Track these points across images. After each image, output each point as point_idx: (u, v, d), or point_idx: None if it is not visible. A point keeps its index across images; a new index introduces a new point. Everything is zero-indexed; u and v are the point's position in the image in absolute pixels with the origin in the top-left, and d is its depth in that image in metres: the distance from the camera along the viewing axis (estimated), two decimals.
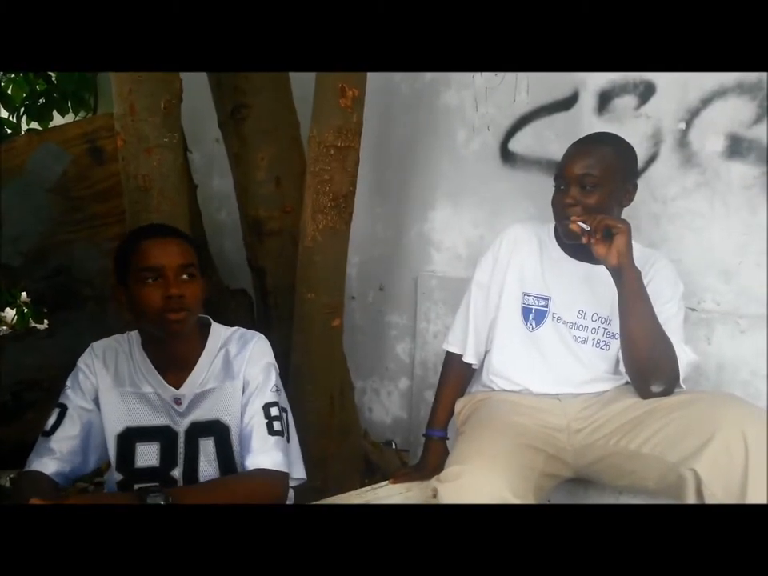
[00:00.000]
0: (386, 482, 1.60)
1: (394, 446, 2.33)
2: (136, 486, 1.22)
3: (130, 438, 1.23)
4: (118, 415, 1.23)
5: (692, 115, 1.67)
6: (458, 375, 1.60)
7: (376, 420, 2.41)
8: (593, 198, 1.35)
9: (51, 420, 1.22)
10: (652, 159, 1.73)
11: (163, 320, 1.15)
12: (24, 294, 2.65)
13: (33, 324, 2.88)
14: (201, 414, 1.24)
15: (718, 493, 1.14)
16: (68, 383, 1.25)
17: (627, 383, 1.42)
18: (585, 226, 1.32)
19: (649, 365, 1.32)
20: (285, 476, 1.21)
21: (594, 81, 1.80)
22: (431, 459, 1.56)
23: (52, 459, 1.18)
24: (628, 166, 1.41)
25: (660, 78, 1.71)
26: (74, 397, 1.23)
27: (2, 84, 2.75)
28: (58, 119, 2.80)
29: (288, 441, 1.26)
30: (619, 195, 1.39)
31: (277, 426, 1.22)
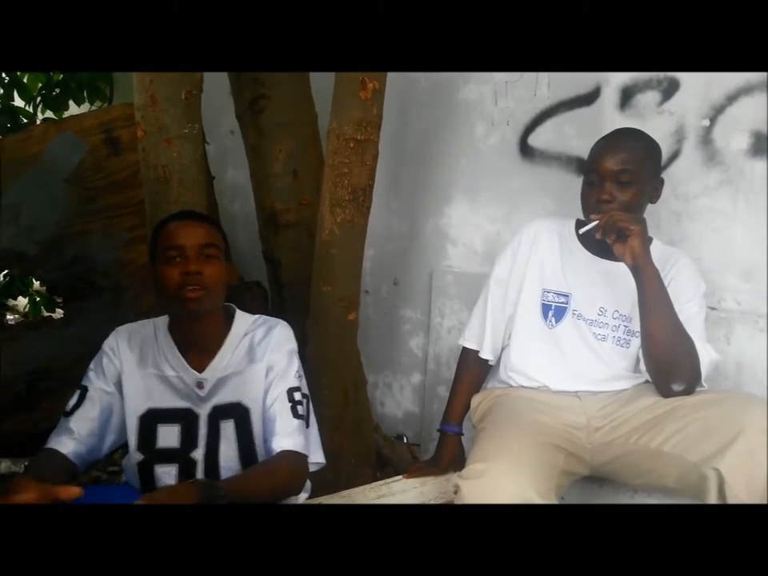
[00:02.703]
0: (400, 476, 1.59)
1: (405, 441, 2.33)
2: (157, 467, 1.23)
3: (151, 419, 1.25)
4: (140, 397, 1.25)
5: (716, 112, 1.65)
6: (474, 371, 1.60)
7: (388, 414, 2.40)
8: (627, 193, 1.34)
9: (72, 401, 1.24)
10: (674, 156, 1.71)
11: (181, 297, 1.18)
12: (37, 282, 2.66)
13: (45, 313, 2.89)
14: (222, 397, 1.26)
15: (741, 493, 1.13)
16: (91, 365, 1.28)
17: (647, 382, 1.41)
18: (592, 224, 1.33)
19: (669, 364, 1.31)
20: (305, 458, 1.25)
21: (617, 76, 1.78)
22: (446, 454, 1.56)
23: (70, 439, 1.20)
24: (657, 162, 1.41)
25: (684, 75, 1.68)
26: (96, 379, 1.25)
27: (18, 73, 2.75)
28: (73, 109, 2.79)
29: (307, 426, 1.29)
30: (649, 192, 1.38)
31: (300, 410, 1.26)
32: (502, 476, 1.13)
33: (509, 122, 1.98)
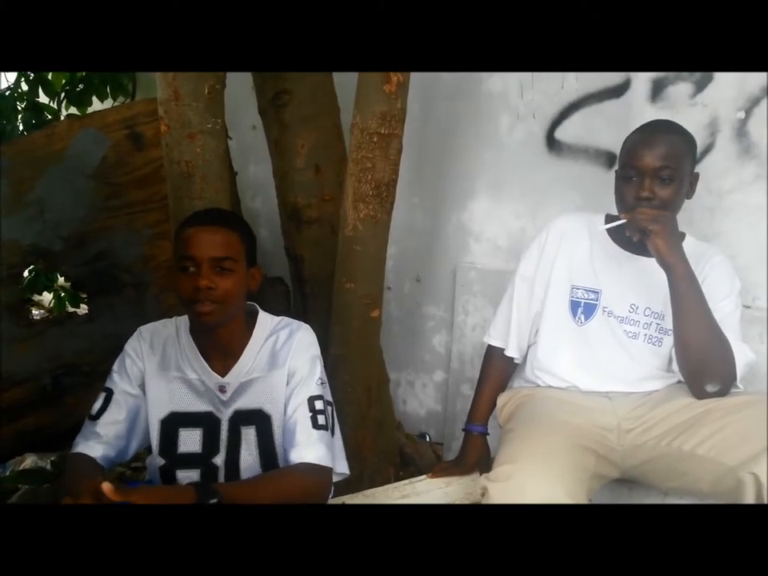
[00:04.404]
0: (424, 476, 1.57)
1: (428, 439, 2.31)
2: (179, 472, 1.22)
3: (173, 423, 1.23)
4: (162, 399, 1.23)
5: (752, 104, 1.60)
6: (499, 369, 1.57)
7: (410, 412, 2.38)
8: (667, 190, 1.29)
9: (97, 404, 1.22)
10: (707, 150, 1.66)
11: (193, 310, 1.15)
12: (62, 278, 2.69)
13: (70, 309, 2.91)
14: (244, 402, 1.23)
15: None
16: (114, 367, 1.25)
17: (679, 382, 1.38)
18: (617, 222, 1.31)
19: (703, 364, 1.27)
20: (329, 471, 1.20)
21: None
22: (471, 454, 1.54)
23: (98, 443, 1.18)
24: (695, 157, 1.36)
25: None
26: (120, 382, 1.23)
27: None
28: (96, 105, 2.81)
29: (332, 435, 1.25)
30: (686, 188, 1.33)
31: (321, 419, 1.21)
32: (532, 478, 1.11)
33: (535, 115, 1.94)
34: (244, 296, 1.23)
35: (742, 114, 1.62)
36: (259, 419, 1.23)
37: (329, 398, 1.27)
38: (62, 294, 2.94)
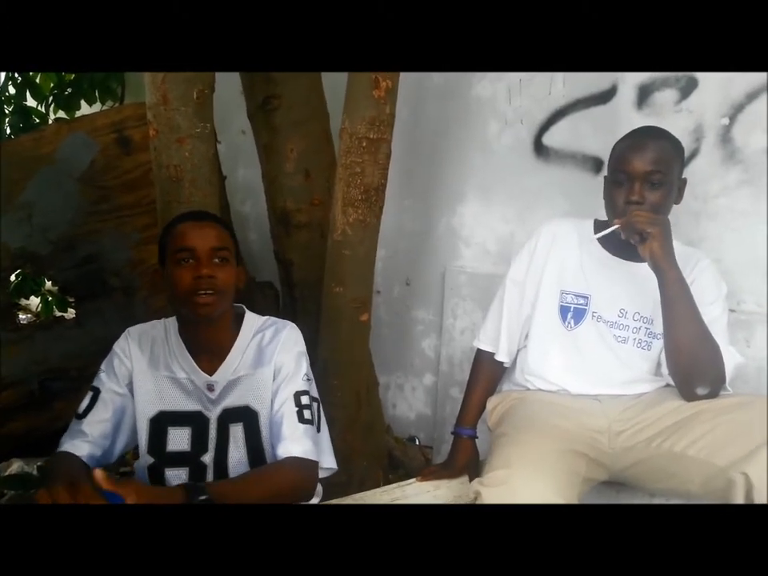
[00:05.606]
0: (413, 479, 1.57)
1: (417, 443, 2.31)
2: (168, 471, 1.23)
3: (162, 422, 1.24)
4: (151, 399, 1.24)
5: (736, 110, 1.62)
6: (488, 373, 1.57)
7: (399, 416, 2.39)
8: (657, 195, 1.30)
9: (84, 403, 1.23)
10: (693, 155, 1.68)
11: (193, 302, 1.16)
12: (49, 282, 2.67)
13: (57, 313, 2.89)
14: (232, 400, 1.24)
15: None
16: (102, 367, 1.26)
17: (668, 385, 1.39)
18: (610, 229, 1.31)
19: (694, 367, 1.29)
20: (314, 464, 1.21)
21: (634, 74, 1.74)
22: (460, 458, 1.54)
23: (84, 442, 1.19)
24: (683, 162, 1.38)
25: (702, 72, 1.65)
26: (108, 381, 1.24)
27: (31, 74, 2.76)
28: (85, 109, 2.80)
29: (318, 430, 1.26)
30: (675, 193, 1.35)
31: (307, 414, 1.23)
32: (525, 483, 1.11)
33: (522, 121, 1.96)
34: (234, 292, 1.25)
35: (726, 120, 1.64)
36: (246, 416, 1.25)
37: (315, 394, 1.29)
38: (50, 299, 2.92)
